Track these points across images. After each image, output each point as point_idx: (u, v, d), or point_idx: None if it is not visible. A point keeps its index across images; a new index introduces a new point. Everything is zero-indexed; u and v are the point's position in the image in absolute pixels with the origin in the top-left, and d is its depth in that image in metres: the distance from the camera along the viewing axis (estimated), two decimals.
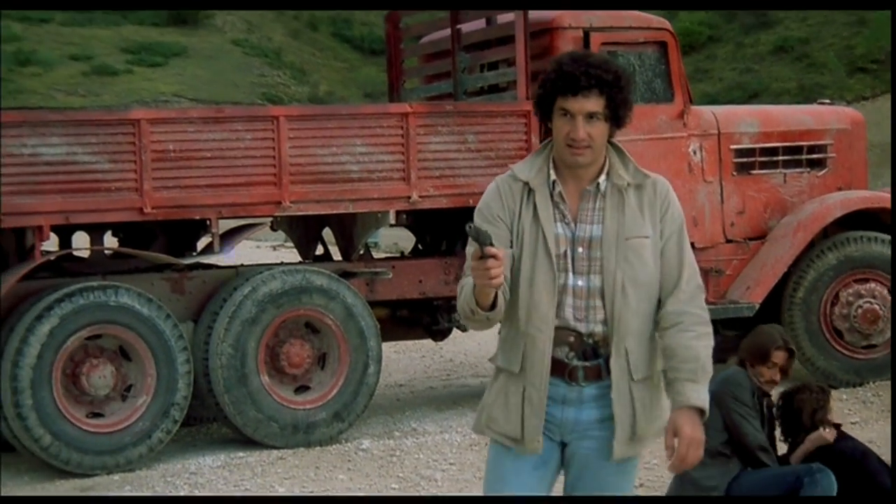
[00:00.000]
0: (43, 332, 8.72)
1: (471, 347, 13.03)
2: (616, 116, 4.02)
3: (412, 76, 12.27)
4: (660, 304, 4.07)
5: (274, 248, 24.75)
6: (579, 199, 4.07)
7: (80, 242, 10.22)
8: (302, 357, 9.56)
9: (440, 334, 10.95)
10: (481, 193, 9.65)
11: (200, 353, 9.33)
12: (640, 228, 4.04)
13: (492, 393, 4.12)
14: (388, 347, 10.21)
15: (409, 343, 11.60)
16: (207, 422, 10.35)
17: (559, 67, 4.01)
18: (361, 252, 10.46)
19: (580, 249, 4.03)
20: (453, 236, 10.73)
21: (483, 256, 3.69)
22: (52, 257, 9.42)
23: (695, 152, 10.74)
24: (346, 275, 9.93)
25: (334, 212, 9.99)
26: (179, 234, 10.26)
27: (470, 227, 3.68)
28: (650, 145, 10.37)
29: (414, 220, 11.08)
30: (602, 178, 4.06)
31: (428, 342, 11.62)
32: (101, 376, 8.96)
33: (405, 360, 12.63)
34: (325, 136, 9.80)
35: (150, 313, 9.03)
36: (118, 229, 10.19)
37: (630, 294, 4.00)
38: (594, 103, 3.96)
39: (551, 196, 4.06)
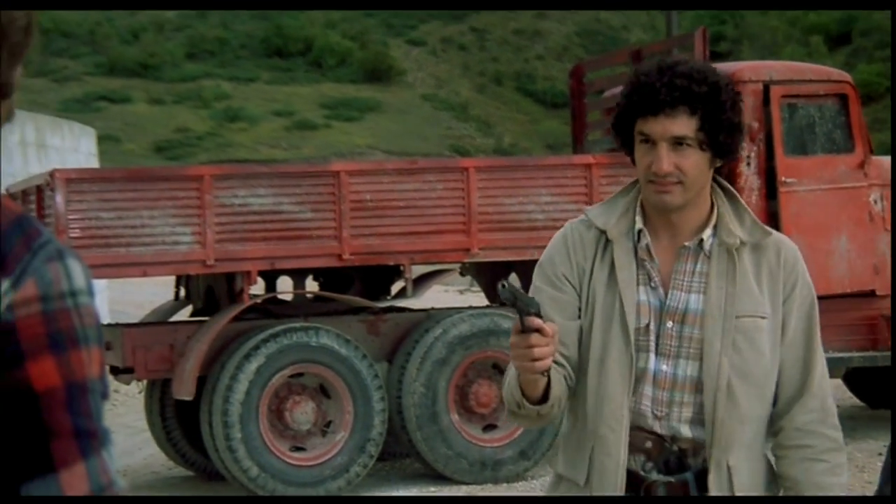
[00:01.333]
0: (251, 370, 8.89)
1: None
2: (716, 143, 2.86)
3: (595, 129, 12.23)
4: (775, 403, 2.97)
5: (461, 291, 24.83)
6: (674, 258, 2.94)
7: (284, 286, 10.39)
8: (490, 397, 9.56)
9: None
10: None
11: (394, 391, 9.39)
12: (757, 305, 2.90)
13: None
14: None
15: None
16: (401, 457, 10.40)
17: (637, 80, 2.90)
18: None
19: (669, 324, 2.90)
20: None
21: (525, 330, 2.62)
22: (259, 300, 9.60)
23: (875, 202, 10.46)
24: None
25: (520, 258, 9.99)
26: (375, 278, 10.36)
27: (503, 286, 2.61)
28: (831, 195, 10.17)
29: None
30: (707, 233, 2.92)
31: None
32: (303, 412, 9.09)
33: None
34: (512, 186, 9.82)
35: (348, 353, 9.13)
36: (319, 274, 10.35)
37: (738, 392, 2.88)
38: (682, 125, 2.83)
39: (635, 251, 2.93)
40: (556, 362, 2.82)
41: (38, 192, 8.95)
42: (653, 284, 2.92)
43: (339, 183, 9.36)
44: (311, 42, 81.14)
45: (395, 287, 10.46)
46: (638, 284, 2.92)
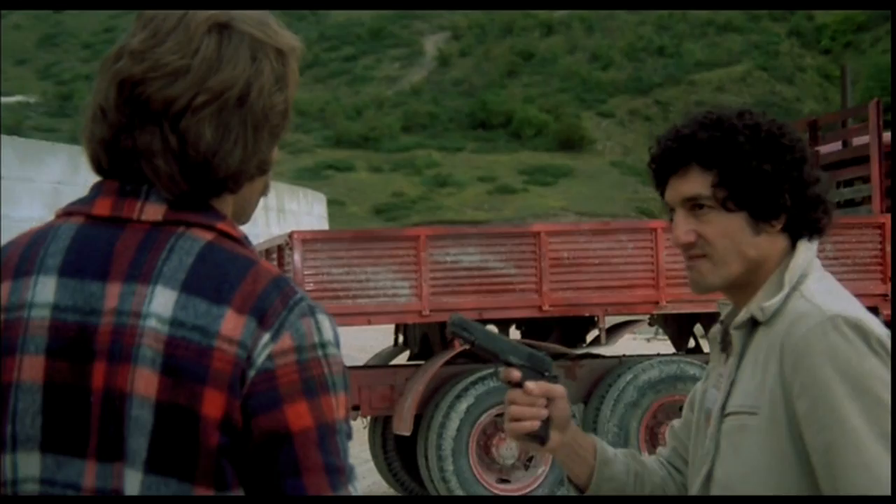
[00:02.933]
0: (461, 409, 8.92)
1: None
2: (745, 199, 2.04)
3: None
4: None
5: (648, 340, 24.50)
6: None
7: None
8: None
9: None
10: None
11: (589, 430, 9.28)
12: (746, 396, 2.01)
13: None
14: None
15: None
16: None
17: (654, 149, 2.17)
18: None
19: (702, 421, 2.16)
20: None
21: (506, 383, 2.07)
22: (469, 347, 9.61)
23: None
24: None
25: (705, 311, 9.83)
26: (571, 328, 10.30)
27: (452, 322, 2.10)
28: None
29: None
30: (744, 312, 2.07)
31: None
32: (508, 448, 9.06)
33: None
34: None
35: None
36: (521, 324, 10.33)
37: None
38: (694, 183, 2.07)
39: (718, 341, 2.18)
40: (674, 466, 2.24)
41: (278, 251, 9.17)
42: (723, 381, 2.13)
43: (540, 242, 9.37)
44: (511, 115, 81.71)
45: (590, 336, 10.39)
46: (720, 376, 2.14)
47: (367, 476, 10.81)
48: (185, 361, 1.53)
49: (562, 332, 10.26)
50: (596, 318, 9.64)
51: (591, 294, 9.43)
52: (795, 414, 1.93)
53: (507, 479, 9.10)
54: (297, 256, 8.77)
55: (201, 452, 1.52)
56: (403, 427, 8.91)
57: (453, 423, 8.89)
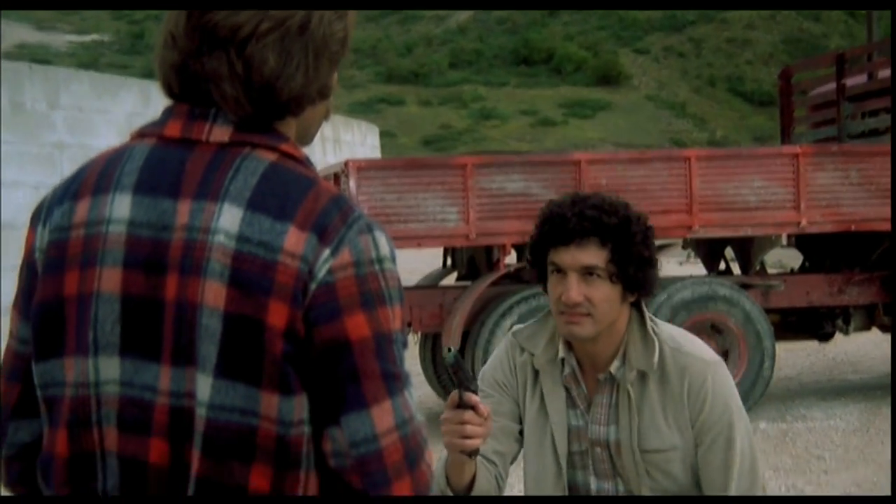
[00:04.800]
0: (506, 327, 8.93)
1: (851, 348, 12.35)
2: (626, 276, 2.45)
3: (800, 123, 11.82)
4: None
5: (680, 263, 24.38)
6: (595, 388, 2.57)
7: None
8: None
9: (825, 337, 10.49)
10: (863, 221, 8.87)
11: None
12: (664, 439, 2.49)
13: None
14: (779, 347, 9.81)
15: (798, 343, 11.13)
16: None
17: (550, 211, 2.50)
18: (757, 268, 10.17)
19: (598, 450, 2.55)
20: (836, 256, 10.27)
21: (461, 405, 2.25)
22: (513, 269, 9.62)
23: None
24: (745, 286, 9.65)
25: (736, 235, 9.76)
26: None
27: (449, 350, 2.24)
28: None
29: (802, 242, 10.64)
30: (615, 365, 2.52)
31: (814, 343, 11.12)
32: None
33: (794, 357, 12.12)
34: (728, 173, 9.56)
35: None
36: None
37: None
38: (592, 255, 2.43)
39: (565, 375, 2.58)
40: (488, 459, 2.56)
41: (335, 179, 9.17)
42: (579, 411, 2.56)
43: (580, 170, 9.30)
44: (553, 52, 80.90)
45: None
46: (568, 408, 2.57)
47: (418, 388, 10.90)
48: (250, 275, 1.53)
49: None
50: None
51: None
52: (700, 440, 2.47)
53: None
54: (352, 183, 8.76)
55: (266, 359, 1.52)
56: (452, 343, 8.94)
57: (498, 340, 8.91)
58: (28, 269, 1.67)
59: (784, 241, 10.21)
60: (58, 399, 1.62)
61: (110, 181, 1.63)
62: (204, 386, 1.53)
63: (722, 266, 10.77)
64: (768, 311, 9.62)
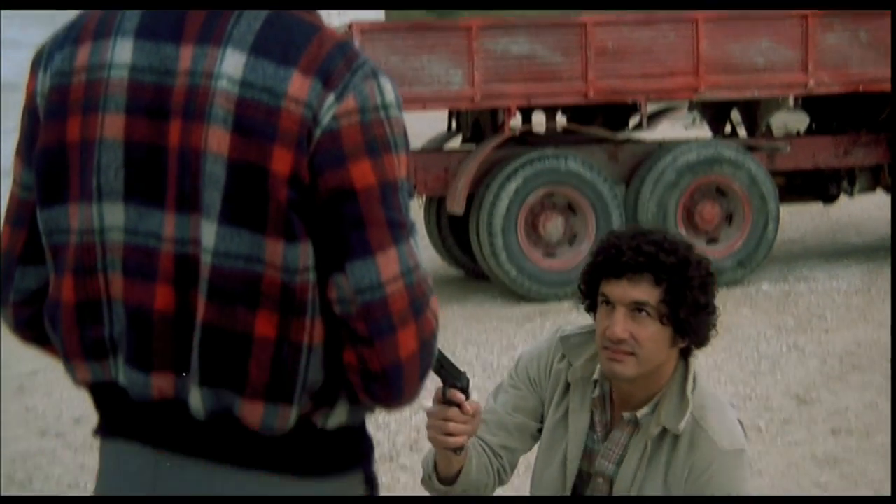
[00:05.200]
0: (511, 189, 8.92)
1: (854, 211, 12.35)
2: (677, 319, 2.30)
3: None
4: None
5: (685, 127, 24.23)
6: (618, 422, 2.44)
7: (538, 120, 10.30)
8: (713, 215, 9.36)
9: (829, 199, 10.49)
10: (871, 81, 8.71)
11: (630, 209, 9.28)
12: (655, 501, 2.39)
13: None
14: (784, 209, 9.81)
15: (802, 206, 11.13)
16: None
17: (607, 241, 2.39)
18: (763, 130, 10.11)
19: (600, 481, 2.46)
20: (843, 118, 10.18)
21: (445, 402, 2.14)
22: (518, 132, 9.56)
23: None
24: (750, 148, 9.61)
25: (742, 97, 9.67)
26: (615, 114, 10.16)
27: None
28: None
29: (809, 103, 10.53)
30: (643, 412, 2.38)
31: (818, 206, 11.11)
32: (553, 225, 9.09)
33: (798, 220, 12.13)
34: (736, 34, 9.43)
35: (592, 177, 9.04)
36: (567, 110, 10.21)
37: None
38: (643, 291, 2.30)
39: (593, 397, 2.46)
40: (495, 453, 2.47)
41: None
42: (596, 436, 2.44)
43: (586, 32, 9.18)
44: None
45: (632, 121, 10.28)
46: (589, 429, 2.45)
47: (423, 251, 10.93)
48: (254, 121, 1.51)
49: (605, 117, 10.13)
50: (638, 105, 9.49)
51: (633, 81, 9.28)
52: None
53: (553, 253, 9.16)
54: (356, 46, 8.64)
55: (271, 206, 1.51)
56: (456, 206, 8.95)
57: (503, 203, 8.91)
58: (30, 116, 1.65)
59: (791, 102, 10.10)
60: (63, 246, 1.61)
61: (111, 26, 1.59)
62: (209, 233, 1.52)
63: (728, 129, 10.70)
64: (773, 173, 9.59)
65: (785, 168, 9.82)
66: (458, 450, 2.25)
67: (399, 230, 1.57)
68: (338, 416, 1.62)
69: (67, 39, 1.62)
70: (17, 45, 9.30)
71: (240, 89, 1.51)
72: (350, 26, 8.82)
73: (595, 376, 2.42)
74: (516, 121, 9.65)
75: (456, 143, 10.30)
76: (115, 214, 1.57)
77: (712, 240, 9.41)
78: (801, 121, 11.37)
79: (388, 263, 1.55)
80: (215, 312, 1.53)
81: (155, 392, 1.58)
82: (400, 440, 5.49)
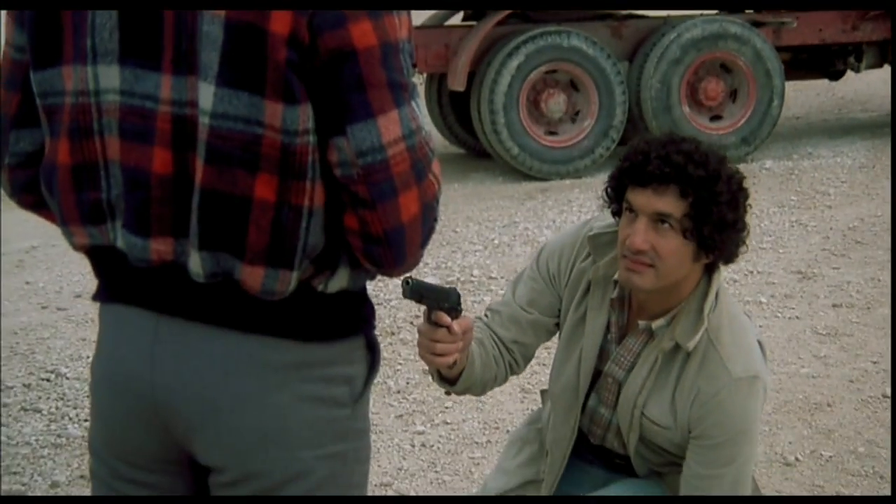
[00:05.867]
0: (512, 67, 8.81)
1: (861, 87, 12.23)
2: (701, 235, 2.21)
3: None
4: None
5: None
6: (633, 328, 2.39)
7: None
8: (717, 92, 9.25)
9: (835, 75, 10.36)
10: None
11: (634, 86, 9.17)
12: (661, 414, 2.35)
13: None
14: (789, 86, 9.70)
15: (808, 82, 11.01)
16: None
17: (635, 147, 2.28)
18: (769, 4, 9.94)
19: (609, 380, 2.43)
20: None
21: (434, 323, 2.08)
22: (520, 8, 9.41)
23: None
24: (756, 24, 9.45)
25: None
26: None
27: (408, 283, 1.90)
28: None
29: None
30: (659, 323, 2.33)
31: (823, 82, 10.99)
32: (556, 103, 8.99)
33: (803, 96, 12.01)
34: None
35: (594, 53, 8.92)
36: None
37: (650, 456, 2.47)
38: (669, 203, 2.19)
39: (612, 297, 2.39)
40: (506, 347, 2.45)
41: None
42: (611, 336, 2.40)
43: None
44: None
45: None
46: (605, 329, 2.40)
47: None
48: None
49: None
50: None
51: None
52: (692, 436, 2.31)
53: (555, 131, 9.09)
54: None
55: (269, 67, 1.48)
56: (458, 83, 8.85)
57: (505, 80, 8.81)
58: None
59: None
60: (58, 108, 1.59)
61: None
62: (206, 94, 1.50)
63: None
64: (779, 49, 9.46)
65: (791, 43, 9.68)
66: (450, 366, 2.25)
67: (400, 92, 1.55)
68: (338, 281, 1.62)
69: None
70: None
71: None
72: None
73: (616, 277, 2.35)
74: None
75: (457, 19, 10.14)
76: (110, 76, 1.54)
77: (716, 117, 9.34)
78: None
79: (389, 125, 1.53)
80: (214, 175, 1.51)
81: (154, 256, 1.57)
82: (401, 315, 5.53)
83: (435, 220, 1.61)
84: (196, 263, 1.55)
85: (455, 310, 2.08)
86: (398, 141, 1.54)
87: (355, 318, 1.67)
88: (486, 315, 2.49)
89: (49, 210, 1.70)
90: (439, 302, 2.04)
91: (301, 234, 1.54)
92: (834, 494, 3.77)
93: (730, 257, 2.29)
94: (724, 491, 2.28)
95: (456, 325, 2.08)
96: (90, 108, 1.57)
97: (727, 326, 2.32)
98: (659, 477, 2.51)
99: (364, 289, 1.69)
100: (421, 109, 1.60)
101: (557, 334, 2.52)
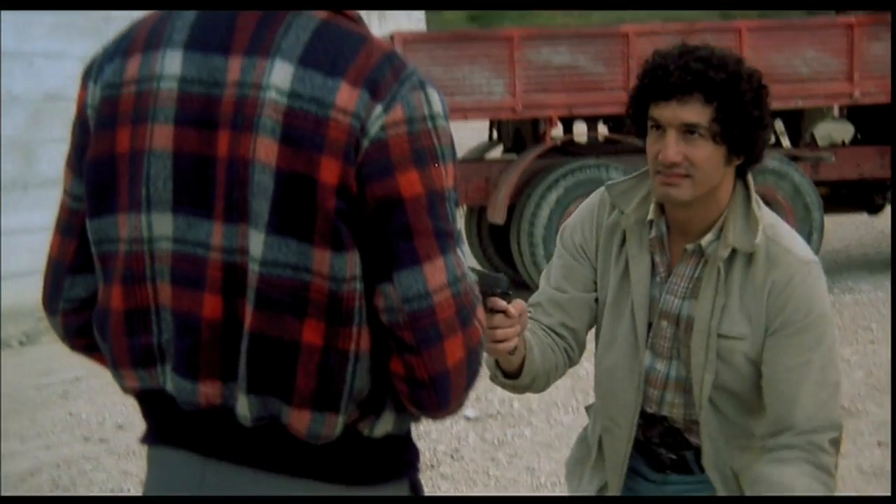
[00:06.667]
0: (552, 200, 8.90)
1: None
2: (731, 137, 2.21)
3: None
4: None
5: None
6: (680, 257, 2.34)
7: (579, 130, 10.29)
8: None
9: (874, 209, 10.39)
10: None
11: None
12: (734, 325, 2.28)
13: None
14: (828, 220, 9.72)
15: (847, 216, 11.02)
16: None
17: (653, 62, 2.25)
18: (807, 140, 10.03)
19: (664, 323, 2.35)
20: (889, 127, 10.07)
21: (489, 310, 2.04)
22: (559, 142, 9.54)
23: None
24: (794, 158, 9.53)
25: (786, 107, 9.58)
26: None
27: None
28: None
29: (854, 113, 10.44)
30: (708, 238, 2.29)
31: (863, 216, 11.00)
32: None
33: (843, 230, 12.02)
34: (780, 44, 9.38)
35: None
36: (608, 120, 10.18)
37: (721, 404, 2.34)
38: (695, 112, 2.19)
39: (650, 238, 2.36)
40: (557, 333, 2.42)
41: None
42: (658, 279, 2.35)
43: (628, 42, 9.16)
44: None
45: None
46: (652, 276, 2.35)
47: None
48: (302, 131, 1.51)
49: None
50: None
51: None
52: (772, 333, 2.25)
53: None
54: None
55: (319, 215, 1.51)
56: (498, 216, 8.94)
57: (544, 213, 8.90)
58: (80, 127, 1.67)
59: (836, 112, 10.04)
60: (112, 255, 1.63)
61: (161, 38, 1.60)
62: (256, 242, 1.53)
63: (772, 139, 10.63)
64: (818, 183, 9.52)
65: (829, 178, 9.74)
66: (512, 352, 2.23)
67: (446, 240, 1.57)
68: (384, 425, 1.63)
69: (118, 51, 1.64)
70: (62, 57, 9.41)
71: (288, 100, 1.52)
72: (392, 37, 8.85)
73: (650, 216, 2.33)
74: (557, 131, 9.64)
75: (497, 152, 10.30)
76: (163, 224, 1.58)
77: None
78: (845, 130, 11.27)
79: (435, 273, 1.55)
80: (263, 321, 1.54)
81: (202, 399, 1.59)
82: (441, 448, 5.49)
83: (479, 364, 1.62)
84: (244, 407, 1.57)
85: (507, 294, 2.07)
86: (444, 288, 1.56)
87: (400, 462, 1.68)
88: (528, 312, 2.39)
89: (100, 353, 1.72)
90: (492, 288, 2.04)
91: (347, 378, 1.56)
92: None
93: (758, 156, 2.29)
94: (814, 378, 2.24)
95: (512, 308, 2.07)
96: (143, 255, 1.60)
97: (777, 223, 2.35)
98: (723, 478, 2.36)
99: (409, 432, 1.69)
100: (465, 256, 1.62)
101: (600, 315, 2.46)
